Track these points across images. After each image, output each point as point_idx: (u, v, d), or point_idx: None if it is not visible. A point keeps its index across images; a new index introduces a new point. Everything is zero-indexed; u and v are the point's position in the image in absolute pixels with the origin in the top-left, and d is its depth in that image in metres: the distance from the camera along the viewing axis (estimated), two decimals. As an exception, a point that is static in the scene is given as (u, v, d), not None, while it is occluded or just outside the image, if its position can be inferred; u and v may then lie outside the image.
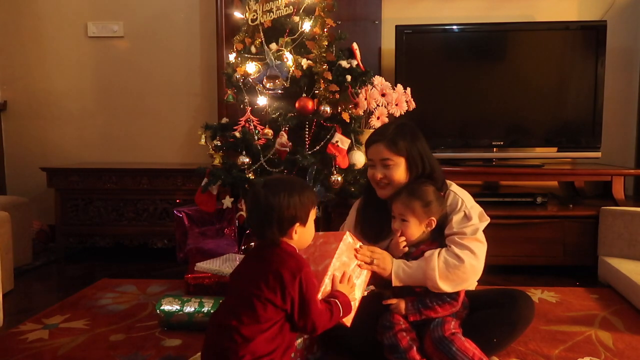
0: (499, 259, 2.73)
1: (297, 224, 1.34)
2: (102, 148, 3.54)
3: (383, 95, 2.37)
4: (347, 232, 1.55)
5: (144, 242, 3.12)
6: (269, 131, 2.26)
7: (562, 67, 3.03)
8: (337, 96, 2.23)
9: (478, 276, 1.61)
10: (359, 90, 2.27)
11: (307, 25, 2.22)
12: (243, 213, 2.38)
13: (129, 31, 3.46)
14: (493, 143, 3.01)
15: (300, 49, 2.25)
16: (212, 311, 1.86)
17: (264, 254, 1.35)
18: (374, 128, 2.33)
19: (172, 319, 1.96)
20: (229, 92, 2.38)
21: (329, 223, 2.71)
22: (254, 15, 2.27)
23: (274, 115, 2.34)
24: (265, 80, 2.23)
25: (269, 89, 2.26)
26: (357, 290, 1.52)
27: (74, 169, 3.12)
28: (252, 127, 2.28)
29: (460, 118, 3.09)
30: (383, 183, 1.67)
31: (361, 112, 2.29)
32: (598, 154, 2.96)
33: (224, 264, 2.30)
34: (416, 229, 1.60)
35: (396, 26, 3.01)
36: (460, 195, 1.66)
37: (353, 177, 2.29)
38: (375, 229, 1.73)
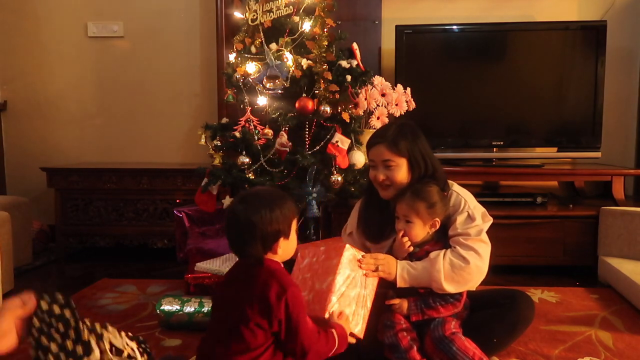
0: (499, 259, 2.69)
1: (281, 238, 1.30)
2: (102, 148, 3.54)
3: (383, 95, 2.37)
4: (347, 245, 1.52)
5: (144, 242, 3.12)
6: (269, 131, 2.26)
7: (562, 67, 3.03)
8: (337, 96, 2.23)
9: (483, 277, 1.61)
10: (359, 90, 2.27)
11: (307, 25, 2.22)
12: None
13: (129, 31, 3.46)
14: (493, 143, 3.01)
15: (300, 49, 2.25)
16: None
17: (246, 275, 1.30)
18: (374, 128, 2.33)
19: (172, 319, 1.96)
20: (229, 92, 2.38)
21: (329, 223, 2.71)
22: (254, 15, 2.27)
23: (274, 115, 2.34)
24: (265, 80, 2.22)
25: (269, 89, 2.26)
26: (367, 299, 1.50)
27: (74, 169, 3.12)
28: (252, 127, 2.28)
29: (460, 118, 3.09)
30: (385, 184, 1.67)
31: (361, 112, 2.29)
32: (598, 154, 2.96)
33: (224, 264, 2.30)
34: (420, 230, 1.60)
35: (396, 26, 3.01)
36: (463, 196, 1.66)
37: (353, 177, 2.29)
38: (377, 229, 1.73)
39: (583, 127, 2.98)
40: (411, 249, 1.60)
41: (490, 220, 1.64)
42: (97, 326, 1.33)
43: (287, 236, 1.31)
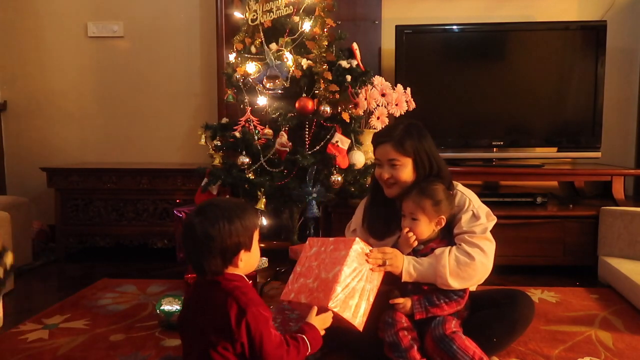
0: (499, 259, 2.68)
1: (242, 251, 1.24)
2: (102, 148, 3.54)
3: (383, 95, 2.37)
4: (357, 239, 1.55)
5: (144, 242, 3.12)
6: (269, 131, 2.26)
7: (562, 67, 3.03)
8: (337, 96, 2.23)
9: (487, 274, 1.64)
10: (359, 90, 2.27)
11: (307, 25, 2.22)
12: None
13: (129, 31, 3.46)
14: (493, 143, 3.01)
15: (300, 49, 2.25)
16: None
17: (205, 297, 1.25)
18: (374, 128, 2.33)
19: (172, 319, 1.96)
20: (229, 92, 2.38)
21: (329, 223, 2.71)
22: (254, 15, 2.27)
23: (274, 115, 2.34)
24: (265, 80, 2.23)
25: (269, 89, 2.26)
26: (370, 294, 1.52)
27: (74, 169, 3.12)
28: (252, 127, 2.28)
29: (460, 118, 3.09)
30: (390, 182, 1.69)
31: (361, 112, 2.29)
32: (598, 154, 2.96)
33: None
34: (426, 228, 1.61)
35: (396, 26, 3.01)
36: (467, 195, 1.69)
37: (353, 177, 2.29)
38: (382, 226, 1.75)
39: (583, 127, 2.98)
40: (415, 243, 1.62)
41: (494, 220, 1.67)
42: None
43: (248, 248, 1.26)
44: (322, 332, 1.37)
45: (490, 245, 1.63)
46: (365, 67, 2.36)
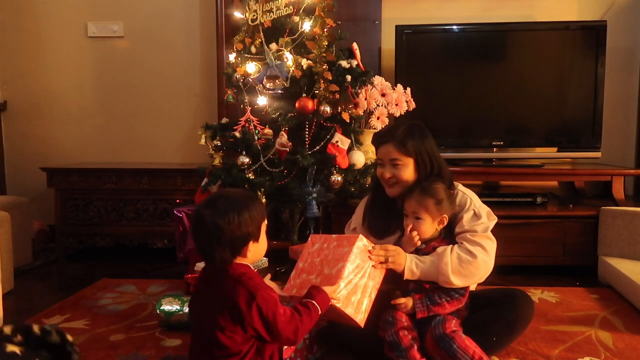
0: (499, 258, 2.68)
1: (251, 242, 1.28)
2: (102, 148, 3.54)
3: (383, 95, 2.37)
4: (360, 235, 1.55)
5: (144, 242, 3.12)
6: (269, 131, 2.26)
7: (562, 67, 3.03)
8: (337, 96, 2.23)
9: (489, 272, 1.65)
10: (359, 90, 2.27)
11: (307, 25, 2.22)
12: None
13: (129, 31, 3.46)
14: (493, 143, 3.01)
15: (300, 49, 2.25)
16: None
17: (214, 283, 1.28)
18: (374, 128, 2.33)
19: (172, 319, 1.96)
20: (229, 92, 2.38)
21: (329, 223, 2.71)
22: (254, 15, 2.27)
23: (274, 115, 2.34)
24: (265, 80, 2.23)
25: (269, 89, 2.26)
26: (372, 291, 1.52)
27: (74, 169, 3.12)
28: (252, 127, 2.28)
29: (460, 118, 3.09)
30: (391, 182, 1.71)
31: (361, 112, 2.29)
32: (598, 154, 2.96)
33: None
34: (429, 227, 1.62)
35: (396, 26, 3.01)
36: (468, 195, 1.70)
37: (353, 177, 2.29)
38: (383, 225, 1.76)
39: (583, 127, 2.98)
40: (419, 242, 1.62)
41: (495, 219, 1.69)
42: None
43: (256, 239, 1.30)
44: (331, 301, 1.40)
45: (491, 244, 1.64)
46: (365, 67, 2.36)
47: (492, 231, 1.68)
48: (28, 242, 2.98)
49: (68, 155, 3.53)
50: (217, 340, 1.23)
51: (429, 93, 2.99)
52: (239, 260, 1.29)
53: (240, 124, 2.30)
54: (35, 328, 1.36)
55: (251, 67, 2.24)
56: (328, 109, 2.19)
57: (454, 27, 3.04)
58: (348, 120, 2.23)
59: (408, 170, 1.68)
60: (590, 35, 2.95)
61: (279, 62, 2.20)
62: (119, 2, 3.43)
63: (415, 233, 1.62)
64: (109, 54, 3.48)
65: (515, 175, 2.98)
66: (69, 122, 3.54)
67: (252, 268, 1.32)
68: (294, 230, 2.54)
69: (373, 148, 1.90)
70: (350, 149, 2.23)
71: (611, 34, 2.97)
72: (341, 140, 2.18)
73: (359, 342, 1.64)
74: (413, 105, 2.46)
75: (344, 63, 2.26)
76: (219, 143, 2.40)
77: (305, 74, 2.23)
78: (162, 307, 1.98)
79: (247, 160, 2.25)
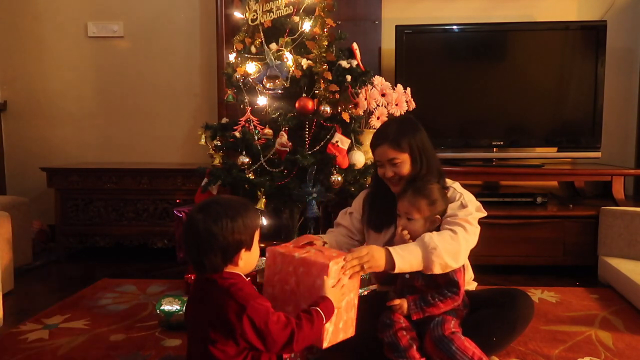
0: (499, 259, 2.73)
1: (243, 250, 1.24)
2: (102, 148, 3.54)
3: (383, 95, 2.37)
4: (331, 263, 1.37)
5: (144, 242, 3.12)
6: (269, 131, 2.26)
7: (562, 67, 3.03)
8: (337, 96, 2.23)
9: (468, 252, 1.59)
10: (359, 90, 2.27)
11: (307, 25, 2.22)
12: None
13: (129, 31, 3.46)
14: (493, 143, 3.01)
15: (300, 49, 2.25)
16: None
17: (202, 295, 1.25)
18: (374, 128, 2.33)
19: (172, 319, 1.97)
20: (229, 92, 2.38)
21: (329, 223, 2.71)
22: (254, 15, 2.27)
23: (274, 115, 2.34)
24: (265, 80, 2.22)
25: (269, 89, 2.26)
26: (354, 298, 1.46)
27: (74, 169, 3.12)
28: (252, 127, 2.28)
29: (460, 118, 3.09)
30: (394, 180, 1.71)
31: (361, 112, 2.29)
32: (598, 154, 2.96)
33: (224, 264, 2.29)
34: (421, 227, 1.62)
35: (396, 26, 3.01)
36: (460, 191, 1.70)
37: (353, 177, 2.29)
38: (382, 219, 1.77)
39: (583, 127, 2.98)
40: (411, 241, 1.61)
41: (483, 213, 1.65)
42: None
43: (249, 247, 1.26)
44: (337, 306, 1.35)
45: (471, 227, 1.58)
46: (365, 67, 2.36)
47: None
48: (28, 242, 2.98)
49: (68, 155, 3.53)
50: (209, 354, 1.20)
51: (429, 93, 2.99)
52: (230, 268, 1.25)
53: (240, 124, 2.30)
54: None
55: (251, 67, 2.24)
56: (328, 109, 2.19)
57: (454, 27, 3.04)
58: (348, 120, 2.23)
59: (407, 166, 1.69)
60: (590, 35, 2.95)
61: (279, 62, 2.20)
62: (119, 2, 3.43)
63: (406, 232, 1.61)
64: (109, 54, 3.48)
65: (515, 175, 2.98)
66: (69, 122, 3.54)
67: (244, 277, 1.28)
68: (294, 230, 2.53)
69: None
70: (350, 149, 2.23)
71: (611, 34, 2.97)
72: (341, 140, 2.18)
73: (358, 344, 1.64)
74: (413, 105, 2.46)
75: (344, 63, 2.25)
76: (219, 143, 2.39)
77: (305, 74, 2.23)
78: (162, 307, 1.98)
79: (247, 160, 2.24)
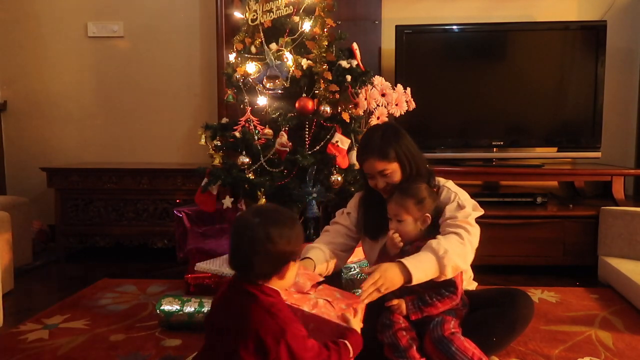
0: (499, 259, 2.73)
1: (291, 262, 1.20)
2: (102, 148, 3.54)
3: (383, 95, 2.37)
4: (343, 314, 1.37)
5: (144, 242, 3.12)
6: (269, 131, 2.25)
7: (562, 67, 3.03)
8: (337, 96, 2.22)
9: (474, 252, 1.60)
10: (359, 90, 2.27)
11: (307, 25, 2.22)
12: (243, 213, 2.37)
13: (129, 31, 3.46)
14: (493, 143, 3.01)
15: (300, 49, 2.25)
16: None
17: (239, 308, 1.17)
18: (374, 128, 2.33)
19: (172, 319, 1.97)
20: (229, 92, 2.37)
21: (329, 223, 2.70)
22: (254, 15, 2.27)
23: (274, 115, 2.34)
24: (265, 80, 2.22)
25: (269, 89, 2.26)
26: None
27: (74, 169, 3.12)
28: (252, 127, 2.28)
29: (460, 118, 3.09)
30: (387, 189, 1.70)
31: (361, 112, 2.29)
32: (598, 154, 2.96)
33: (224, 264, 2.30)
34: (412, 227, 1.61)
35: (396, 26, 3.01)
36: (454, 190, 1.69)
37: (353, 177, 2.29)
38: (377, 226, 1.76)
39: (583, 127, 2.98)
40: (402, 244, 1.61)
41: (480, 211, 1.66)
42: None
43: (295, 261, 1.22)
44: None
45: (472, 228, 1.59)
46: (365, 67, 2.36)
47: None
48: (28, 242, 2.98)
49: (68, 155, 3.53)
50: None
51: (429, 93, 2.99)
52: (274, 281, 1.20)
53: (240, 124, 2.30)
54: None
55: (251, 67, 2.23)
56: (328, 109, 2.19)
57: (454, 27, 3.04)
58: (348, 120, 2.23)
59: (397, 174, 1.68)
60: (590, 35, 2.95)
61: (279, 62, 2.20)
62: (119, 2, 3.43)
63: (397, 235, 1.60)
64: (109, 54, 3.48)
65: (515, 175, 2.98)
66: (69, 122, 3.54)
67: (282, 296, 1.24)
68: (294, 230, 2.53)
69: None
70: (350, 149, 2.23)
71: (611, 34, 2.97)
72: (341, 140, 2.18)
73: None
74: (413, 105, 2.45)
75: (344, 63, 2.25)
76: (219, 143, 2.39)
77: (305, 74, 2.23)
78: (162, 307, 1.98)
79: (247, 160, 2.24)
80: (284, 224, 1.18)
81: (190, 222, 2.66)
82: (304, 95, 2.23)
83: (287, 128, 2.23)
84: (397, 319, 1.56)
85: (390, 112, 2.39)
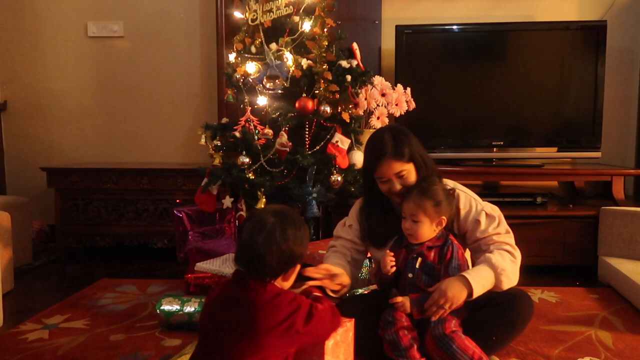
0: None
1: (298, 265, 1.24)
2: (102, 148, 3.54)
3: (383, 95, 2.37)
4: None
5: (144, 242, 3.12)
6: (269, 131, 2.26)
7: (562, 67, 3.03)
8: (337, 96, 2.23)
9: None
10: (359, 90, 2.27)
11: (307, 25, 2.22)
12: (243, 213, 2.38)
13: (129, 31, 3.46)
14: (493, 143, 3.01)
15: (300, 49, 2.25)
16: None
17: (243, 301, 1.19)
18: (374, 128, 2.33)
19: (172, 319, 1.96)
20: (229, 92, 2.38)
21: (329, 223, 2.71)
22: (254, 15, 2.27)
23: (274, 115, 2.34)
24: (265, 80, 2.22)
25: (269, 89, 2.26)
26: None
27: (74, 169, 3.12)
28: (252, 127, 2.28)
29: (460, 118, 3.09)
30: (402, 192, 1.66)
31: (361, 112, 2.29)
32: (598, 154, 2.96)
33: (224, 264, 2.30)
34: (428, 229, 1.60)
35: (396, 26, 3.01)
36: (470, 195, 1.70)
37: (353, 177, 2.29)
38: (383, 234, 1.74)
39: (583, 127, 2.98)
40: (394, 269, 1.59)
41: (500, 212, 1.70)
42: None
43: (300, 263, 1.26)
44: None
45: (517, 253, 1.66)
46: (365, 67, 2.36)
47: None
48: (28, 242, 2.98)
49: (68, 155, 3.53)
50: None
51: (429, 93, 2.99)
52: (279, 281, 1.23)
53: (240, 124, 2.30)
54: None
55: (251, 67, 2.23)
56: (328, 109, 2.19)
57: (454, 27, 3.04)
58: (348, 120, 2.23)
59: (413, 174, 1.66)
60: (590, 35, 2.95)
61: (279, 62, 2.20)
62: (119, 2, 3.43)
63: (390, 259, 1.59)
64: (109, 54, 3.48)
65: (515, 175, 2.98)
66: (69, 122, 3.54)
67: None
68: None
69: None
70: (350, 149, 2.23)
71: (611, 34, 2.97)
72: (341, 140, 2.18)
73: (359, 342, 1.64)
74: (413, 105, 2.46)
75: (344, 63, 2.25)
76: (219, 143, 2.39)
77: (305, 74, 2.23)
78: (162, 307, 1.98)
79: (247, 160, 2.24)
80: (298, 226, 1.23)
81: (190, 222, 2.66)
82: (304, 95, 2.23)
83: (287, 128, 2.23)
84: (400, 317, 1.56)
85: (390, 112, 2.39)
